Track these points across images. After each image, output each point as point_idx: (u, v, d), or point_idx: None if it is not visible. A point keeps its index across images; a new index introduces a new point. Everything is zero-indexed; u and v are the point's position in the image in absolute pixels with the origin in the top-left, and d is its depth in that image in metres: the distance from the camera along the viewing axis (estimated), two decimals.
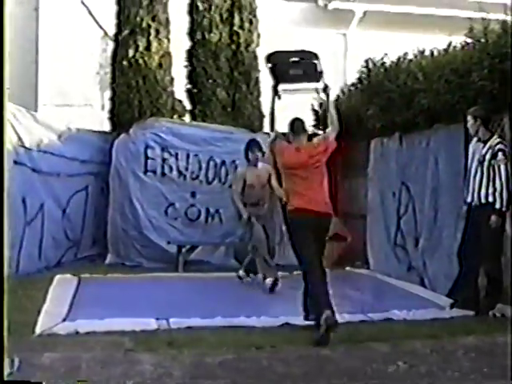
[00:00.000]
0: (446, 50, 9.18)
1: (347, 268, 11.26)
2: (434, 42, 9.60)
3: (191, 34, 13.11)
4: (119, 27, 12.90)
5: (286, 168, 7.24)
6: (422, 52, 9.71)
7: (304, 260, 6.96)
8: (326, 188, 7.23)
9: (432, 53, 9.52)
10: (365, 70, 11.02)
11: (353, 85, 11.73)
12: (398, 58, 10.14)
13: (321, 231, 7.10)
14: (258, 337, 6.62)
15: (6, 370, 4.69)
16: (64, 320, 7.18)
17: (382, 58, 10.58)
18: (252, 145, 10.07)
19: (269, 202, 10.08)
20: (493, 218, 7.41)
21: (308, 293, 6.99)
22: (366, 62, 10.96)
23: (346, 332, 6.70)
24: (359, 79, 11.29)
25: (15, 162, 9.99)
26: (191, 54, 13.08)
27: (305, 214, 6.91)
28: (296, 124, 7.29)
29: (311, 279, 6.86)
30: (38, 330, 6.72)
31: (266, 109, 12.99)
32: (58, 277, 9.89)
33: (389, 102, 9.87)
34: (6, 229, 4.76)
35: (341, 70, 16.36)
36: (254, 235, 9.65)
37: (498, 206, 7.44)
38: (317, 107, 12.59)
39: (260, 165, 10.01)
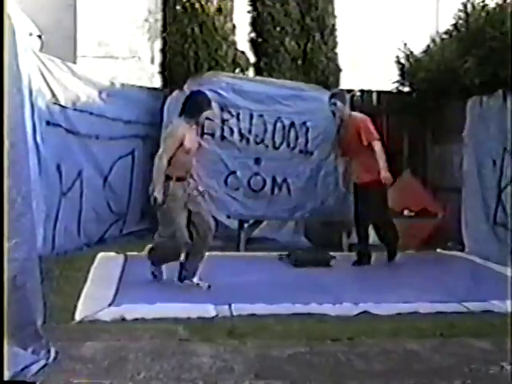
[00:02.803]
0: None
1: (438, 250, 11.16)
2: None
3: None
4: None
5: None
6: None
7: None
8: None
9: None
10: (462, 14, 10.83)
11: (447, 33, 11.56)
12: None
13: None
14: (333, 327, 6.61)
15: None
16: (108, 305, 7.24)
17: (484, 0, 10.38)
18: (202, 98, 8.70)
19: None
20: None
21: None
22: (464, 4, 10.77)
23: (437, 324, 6.66)
24: (455, 26, 11.12)
25: (48, 123, 10.08)
26: None
27: None
28: None
29: None
30: (78, 317, 6.78)
31: (342, 61, 12.95)
32: (100, 255, 10.01)
33: (491, 53, 9.69)
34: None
35: (432, 15, 16.13)
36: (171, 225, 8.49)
37: None
38: (402, 59, 12.46)
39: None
